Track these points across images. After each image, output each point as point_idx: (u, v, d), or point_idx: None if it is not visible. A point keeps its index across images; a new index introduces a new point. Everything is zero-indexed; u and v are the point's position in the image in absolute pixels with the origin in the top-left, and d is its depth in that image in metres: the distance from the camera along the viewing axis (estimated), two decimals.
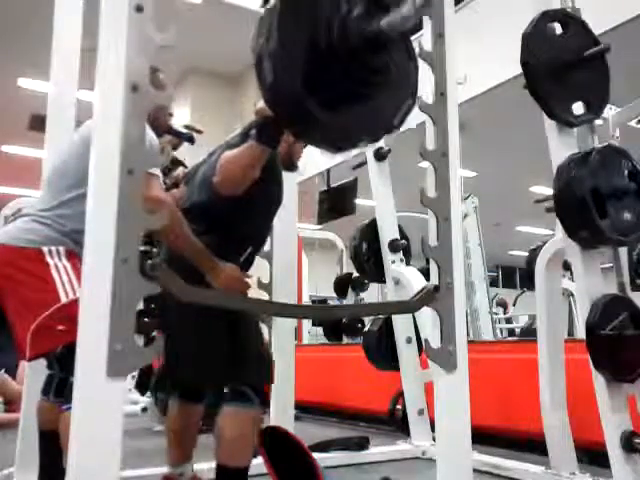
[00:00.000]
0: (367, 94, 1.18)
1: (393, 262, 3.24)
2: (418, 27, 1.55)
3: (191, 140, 2.18)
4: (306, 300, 7.29)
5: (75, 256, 1.70)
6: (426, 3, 1.02)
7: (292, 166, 2.04)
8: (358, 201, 4.10)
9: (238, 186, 1.73)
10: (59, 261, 1.69)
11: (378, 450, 3.09)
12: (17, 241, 1.68)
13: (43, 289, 1.64)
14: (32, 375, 2.25)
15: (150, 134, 1.70)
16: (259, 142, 1.65)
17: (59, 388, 1.85)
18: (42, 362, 2.06)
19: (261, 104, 1.64)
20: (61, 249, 1.70)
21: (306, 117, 1.12)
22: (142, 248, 1.07)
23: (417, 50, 1.43)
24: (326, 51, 1.10)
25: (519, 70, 2.10)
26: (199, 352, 1.77)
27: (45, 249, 1.68)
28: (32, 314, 1.62)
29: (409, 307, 1.47)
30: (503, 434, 3.25)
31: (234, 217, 1.84)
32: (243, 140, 1.75)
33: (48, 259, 1.67)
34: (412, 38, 1.31)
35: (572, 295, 5.10)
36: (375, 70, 1.16)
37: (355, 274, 5.75)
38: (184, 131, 2.19)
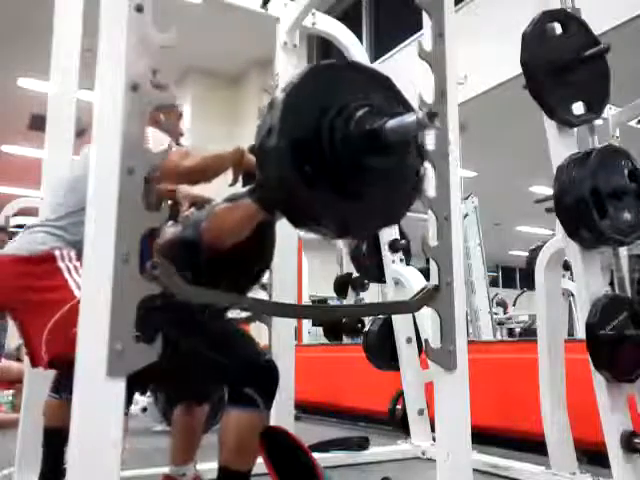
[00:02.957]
0: (366, 192, 1.19)
1: (393, 262, 3.23)
2: (418, 27, 1.56)
3: None
4: (306, 300, 7.29)
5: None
6: (430, 119, 1.03)
7: None
8: None
9: (222, 240, 1.69)
10: (69, 262, 1.70)
11: (378, 450, 3.09)
12: (26, 251, 1.69)
13: (55, 290, 1.64)
14: (31, 375, 2.25)
15: (158, 134, 1.72)
16: (259, 204, 1.58)
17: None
18: None
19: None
20: (72, 253, 1.72)
21: (302, 211, 1.15)
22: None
23: (417, 50, 1.44)
24: (328, 148, 1.12)
25: (519, 70, 2.10)
26: (207, 357, 1.74)
27: (56, 252, 1.70)
28: (45, 316, 1.62)
29: (409, 307, 1.47)
30: (503, 434, 3.24)
31: (213, 267, 1.76)
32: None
33: (59, 263, 1.68)
34: (412, 38, 1.32)
35: (572, 295, 5.09)
36: (374, 170, 1.17)
37: (355, 274, 5.75)
38: None
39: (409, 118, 1.08)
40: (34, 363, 1.84)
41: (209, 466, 2.31)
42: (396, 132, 1.10)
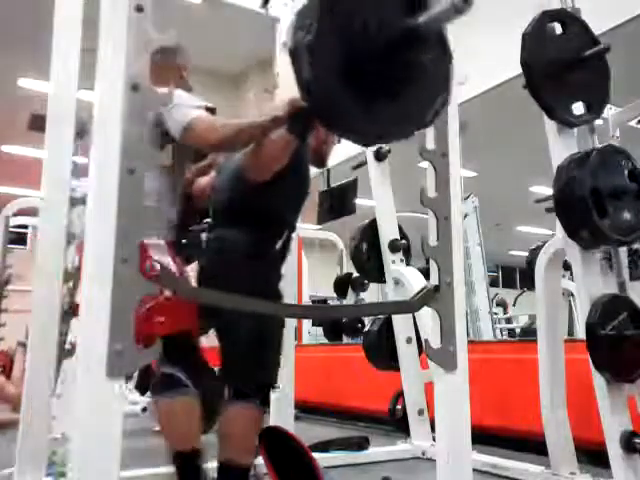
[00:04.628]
0: (401, 90, 1.18)
1: (393, 262, 3.23)
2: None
3: None
4: (306, 300, 7.29)
5: (171, 247, 1.75)
6: (466, 1, 1.02)
7: (321, 162, 2.06)
8: (358, 201, 4.10)
9: (264, 171, 1.79)
10: (172, 257, 1.71)
11: (378, 450, 3.09)
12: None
13: None
14: (32, 375, 2.25)
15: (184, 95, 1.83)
16: (290, 132, 1.68)
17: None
18: (42, 363, 2.06)
19: (294, 95, 1.65)
20: (162, 243, 1.70)
21: (341, 113, 1.12)
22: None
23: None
24: (363, 46, 1.10)
25: (519, 70, 2.10)
26: (228, 349, 1.84)
27: (146, 242, 1.69)
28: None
29: (409, 307, 1.47)
30: (503, 434, 3.24)
31: (266, 202, 1.87)
32: None
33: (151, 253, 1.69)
34: None
35: (572, 295, 5.10)
36: (410, 66, 1.16)
37: (355, 274, 5.75)
38: None
39: (444, 4, 1.06)
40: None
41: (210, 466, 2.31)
42: (432, 21, 1.09)
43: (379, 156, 3.40)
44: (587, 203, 1.91)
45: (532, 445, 2.85)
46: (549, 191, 2.13)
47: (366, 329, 3.64)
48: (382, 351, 3.35)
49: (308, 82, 1.10)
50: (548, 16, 2.11)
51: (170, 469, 2.09)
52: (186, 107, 1.79)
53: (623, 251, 2.43)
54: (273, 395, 2.80)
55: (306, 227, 7.84)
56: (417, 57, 1.16)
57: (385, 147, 3.38)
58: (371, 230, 3.38)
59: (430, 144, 1.42)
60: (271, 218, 1.91)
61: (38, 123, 2.73)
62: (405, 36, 1.11)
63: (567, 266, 3.25)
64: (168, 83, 1.94)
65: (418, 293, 1.37)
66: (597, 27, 2.20)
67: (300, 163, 1.90)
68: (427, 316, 2.60)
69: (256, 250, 1.84)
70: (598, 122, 2.41)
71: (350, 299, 6.07)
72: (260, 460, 2.01)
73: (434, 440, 2.96)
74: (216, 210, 1.98)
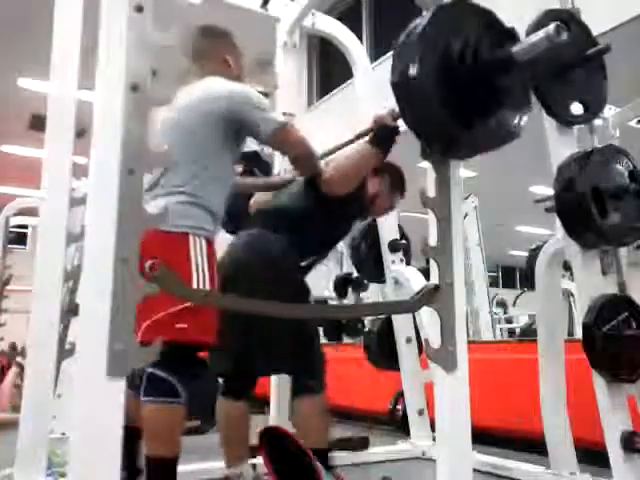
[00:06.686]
0: (495, 110, 1.30)
1: (393, 262, 3.23)
2: None
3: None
4: None
5: (211, 245, 1.73)
6: (559, 32, 1.12)
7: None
8: None
9: (347, 184, 1.87)
10: (200, 252, 1.67)
11: (378, 450, 3.09)
12: (167, 226, 1.60)
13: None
14: (32, 374, 2.25)
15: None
16: (376, 147, 1.77)
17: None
18: (42, 363, 2.06)
19: (379, 112, 1.78)
20: (204, 242, 1.69)
21: (447, 136, 1.25)
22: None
23: None
24: (463, 75, 1.22)
25: None
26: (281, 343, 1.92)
27: (190, 238, 1.66)
28: (158, 303, 1.52)
29: (409, 307, 1.47)
30: (503, 434, 3.24)
31: (321, 222, 1.97)
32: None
33: (191, 247, 1.65)
34: None
35: (572, 295, 5.10)
36: (502, 88, 1.28)
37: (355, 274, 5.75)
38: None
39: (538, 36, 1.16)
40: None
41: (209, 465, 2.31)
42: (527, 52, 1.19)
43: None
44: (588, 203, 1.91)
45: (532, 445, 2.85)
46: (549, 191, 2.13)
47: (366, 329, 3.63)
48: (382, 351, 3.35)
49: (414, 111, 1.23)
50: (548, 16, 2.10)
51: None
52: (274, 113, 1.80)
53: (623, 251, 2.43)
54: (273, 395, 2.80)
55: None
56: (507, 80, 1.28)
57: None
58: (371, 230, 3.38)
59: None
60: (325, 233, 2.04)
61: (38, 123, 2.72)
62: (498, 64, 1.23)
63: (567, 266, 3.25)
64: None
65: (418, 293, 1.37)
66: (597, 27, 2.20)
67: (361, 190, 2.00)
68: (427, 316, 2.61)
69: (295, 258, 1.99)
70: (598, 122, 2.41)
71: (350, 299, 6.06)
72: (260, 460, 2.02)
73: (434, 440, 2.96)
74: (270, 214, 2.05)
